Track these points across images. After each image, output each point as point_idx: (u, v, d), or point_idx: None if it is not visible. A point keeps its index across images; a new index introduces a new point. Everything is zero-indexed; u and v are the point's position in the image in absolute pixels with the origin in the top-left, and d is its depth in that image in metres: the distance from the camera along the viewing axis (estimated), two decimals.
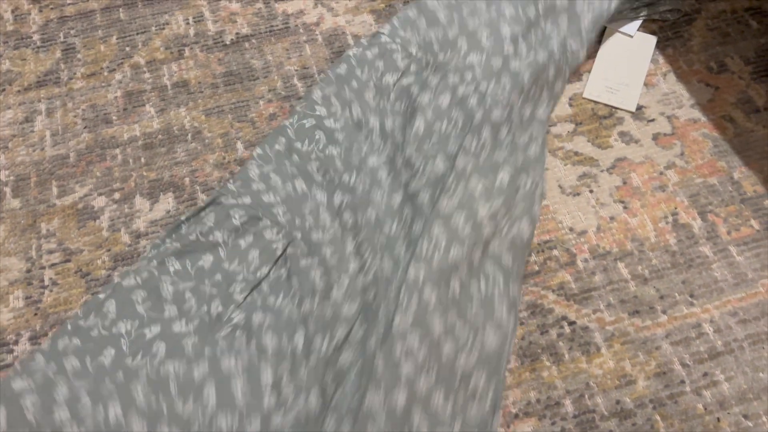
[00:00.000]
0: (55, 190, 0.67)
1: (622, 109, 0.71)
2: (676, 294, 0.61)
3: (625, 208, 0.65)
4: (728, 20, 0.78)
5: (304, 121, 0.68)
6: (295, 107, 0.70)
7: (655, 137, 0.70)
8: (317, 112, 0.68)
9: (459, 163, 0.62)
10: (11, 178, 0.68)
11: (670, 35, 0.76)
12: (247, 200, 0.62)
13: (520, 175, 0.63)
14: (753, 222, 0.64)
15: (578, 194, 0.66)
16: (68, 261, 0.63)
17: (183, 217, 0.61)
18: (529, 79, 0.68)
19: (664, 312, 0.60)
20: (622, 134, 0.70)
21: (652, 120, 0.71)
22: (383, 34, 0.72)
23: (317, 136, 0.67)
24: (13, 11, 0.79)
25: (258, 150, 0.66)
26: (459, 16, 0.73)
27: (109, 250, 0.64)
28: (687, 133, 0.70)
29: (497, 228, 0.60)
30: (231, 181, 0.64)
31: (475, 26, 0.72)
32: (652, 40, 0.75)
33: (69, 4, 0.80)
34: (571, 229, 0.64)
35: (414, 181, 0.63)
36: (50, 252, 0.63)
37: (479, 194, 0.61)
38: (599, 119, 0.71)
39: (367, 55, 0.71)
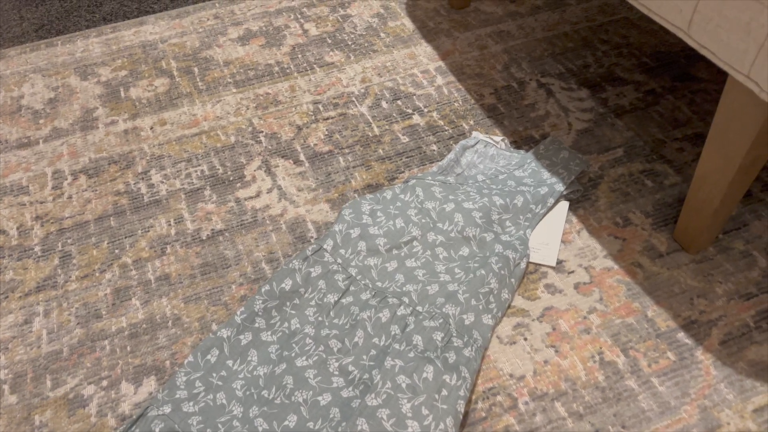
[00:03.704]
0: (48, 383, 0.75)
1: (544, 265, 0.82)
2: (610, 427, 0.67)
3: (556, 351, 0.74)
4: (627, 182, 0.92)
5: (241, 337, 0.73)
6: (234, 316, 0.75)
7: (576, 286, 0.80)
8: (256, 324, 0.74)
9: (387, 363, 0.67)
10: (10, 376, 0.75)
11: (580, 198, 0.90)
12: (167, 409, 0.67)
13: (446, 373, 0.67)
14: (669, 354, 0.73)
15: (514, 343, 0.75)
16: None
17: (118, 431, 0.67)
18: (465, 294, 0.74)
19: None
20: (547, 286, 0.80)
21: (572, 272, 0.82)
22: (326, 251, 0.80)
23: (250, 357, 0.72)
24: (18, 228, 0.92)
25: (190, 357, 0.72)
26: (398, 252, 0.81)
27: None
28: (603, 281, 0.80)
29: (422, 425, 0.63)
30: (159, 391, 0.70)
31: (412, 266, 0.80)
32: (565, 204, 0.88)
33: (67, 217, 0.93)
34: (511, 375, 0.72)
35: (348, 389, 0.67)
36: None
37: (403, 390, 0.65)
38: (526, 275, 0.81)
39: (311, 273, 0.78)
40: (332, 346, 0.71)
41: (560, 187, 0.87)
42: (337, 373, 0.69)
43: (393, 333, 0.72)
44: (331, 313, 0.75)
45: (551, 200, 0.85)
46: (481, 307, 0.73)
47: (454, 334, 0.71)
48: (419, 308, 0.74)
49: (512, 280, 0.78)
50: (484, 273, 0.76)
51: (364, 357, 0.70)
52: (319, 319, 0.74)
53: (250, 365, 0.71)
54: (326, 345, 0.71)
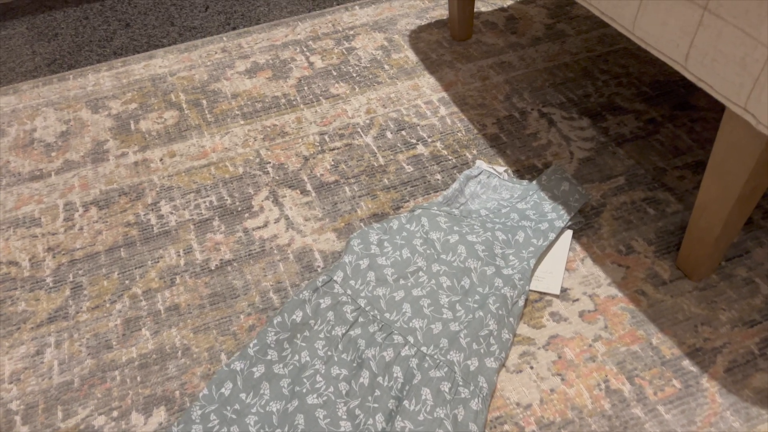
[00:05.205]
0: (60, 414, 0.75)
1: (549, 294, 0.83)
2: None
3: (562, 380, 0.74)
4: (629, 210, 0.93)
5: (254, 369, 0.74)
6: (247, 348, 0.76)
7: (581, 314, 0.81)
8: (268, 357, 0.75)
9: (397, 425, 0.68)
10: (21, 407, 0.76)
11: (583, 226, 0.91)
12: None
13: None
14: (675, 381, 0.73)
15: (521, 371, 0.76)
16: None
17: None
18: (467, 337, 0.75)
19: None
20: (552, 314, 0.81)
21: (577, 300, 0.82)
22: (336, 282, 0.81)
23: (262, 390, 0.72)
24: (30, 259, 0.94)
25: (204, 391, 0.72)
26: (405, 282, 0.82)
27: None
28: (608, 309, 0.81)
29: None
30: (175, 424, 0.71)
31: (418, 294, 0.81)
32: (569, 233, 0.89)
33: (78, 249, 0.95)
34: (518, 404, 0.73)
35: None
36: None
37: None
38: (531, 303, 0.82)
39: (320, 304, 0.79)
40: (341, 389, 0.72)
41: (560, 224, 0.88)
42: (345, 417, 0.70)
43: (395, 375, 0.72)
44: (339, 346, 0.76)
45: (552, 235, 0.86)
46: (482, 350, 0.74)
47: (461, 383, 0.71)
48: (424, 349, 0.75)
49: (511, 319, 0.78)
50: (482, 315, 0.77)
51: (369, 398, 0.71)
52: (329, 353, 0.75)
53: (263, 399, 0.72)
54: (336, 387, 0.72)
